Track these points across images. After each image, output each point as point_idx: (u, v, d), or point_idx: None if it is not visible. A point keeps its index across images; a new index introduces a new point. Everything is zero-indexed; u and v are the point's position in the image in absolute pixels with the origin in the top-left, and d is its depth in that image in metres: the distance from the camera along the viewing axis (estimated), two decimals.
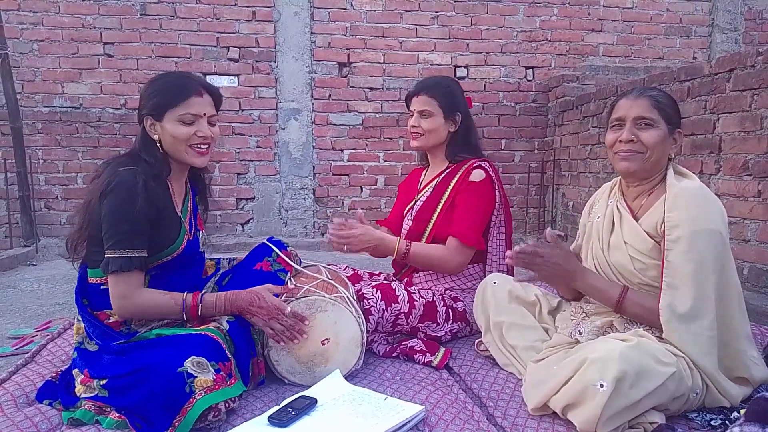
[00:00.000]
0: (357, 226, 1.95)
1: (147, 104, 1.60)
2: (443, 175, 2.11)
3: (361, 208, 1.98)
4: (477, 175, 2.01)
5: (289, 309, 1.59)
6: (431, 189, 2.12)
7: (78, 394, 1.47)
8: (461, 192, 2.01)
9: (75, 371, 1.53)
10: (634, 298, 1.49)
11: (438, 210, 2.05)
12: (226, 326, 1.56)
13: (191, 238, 1.65)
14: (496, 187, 2.04)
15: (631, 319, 1.53)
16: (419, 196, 2.16)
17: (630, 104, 1.54)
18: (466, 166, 2.06)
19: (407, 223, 2.15)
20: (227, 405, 1.40)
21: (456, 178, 2.05)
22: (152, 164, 1.57)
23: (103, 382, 1.41)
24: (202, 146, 1.62)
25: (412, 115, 2.12)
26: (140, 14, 4.51)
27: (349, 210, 4.83)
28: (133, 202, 1.48)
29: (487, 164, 2.07)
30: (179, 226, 1.62)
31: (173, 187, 1.64)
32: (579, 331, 1.61)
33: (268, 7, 4.63)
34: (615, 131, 1.57)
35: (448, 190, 2.05)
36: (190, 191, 1.74)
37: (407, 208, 2.19)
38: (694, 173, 1.58)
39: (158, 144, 1.60)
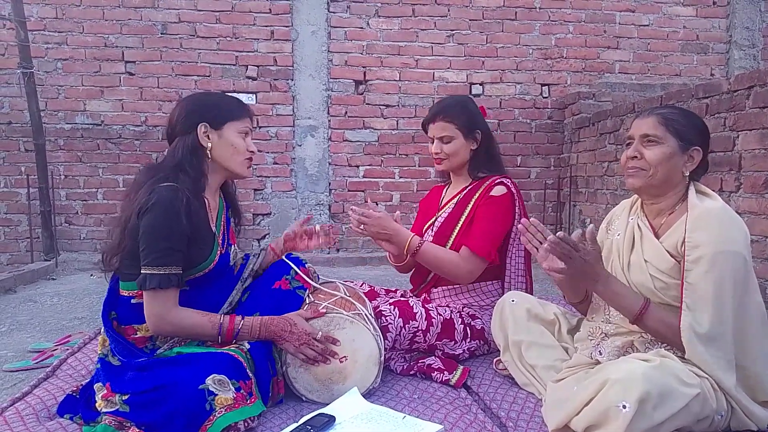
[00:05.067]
0: (380, 210, 1.94)
1: (205, 113, 1.65)
2: (465, 191, 2.11)
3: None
4: (498, 191, 2.02)
5: (320, 334, 1.61)
6: (453, 205, 2.12)
7: (99, 409, 1.47)
8: (481, 206, 2.02)
9: (97, 385, 1.54)
10: (655, 313, 1.47)
11: (459, 226, 2.05)
12: (247, 345, 1.56)
13: (223, 253, 1.67)
14: (517, 204, 2.03)
15: (649, 334, 1.51)
16: (440, 213, 2.16)
17: (639, 122, 1.56)
18: (488, 182, 2.06)
19: (427, 239, 2.13)
20: (246, 424, 1.40)
21: (477, 194, 2.05)
22: (193, 176, 1.60)
23: (125, 397, 1.42)
24: (249, 159, 1.73)
25: (432, 141, 2.10)
26: (161, 34, 4.61)
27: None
28: (172, 219, 1.49)
29: (509, 181, 2.07)
30: (213, 241, 1.63)
31: (209, 203, 1.67)
32: (599, 351, 1.59)
33: (286, 27, 4.70)
34: (627, 149, 1.59)
35: (469, 206, 2.05)
36: (224, 205, 1.76)
37: (428, 225, 2.19)
38: (714, 190, 1.57)
39: (208, 152, 1.64)
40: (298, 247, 1.96)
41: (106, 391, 1.47)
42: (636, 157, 1.53)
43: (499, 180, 2.05)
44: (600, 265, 1.50)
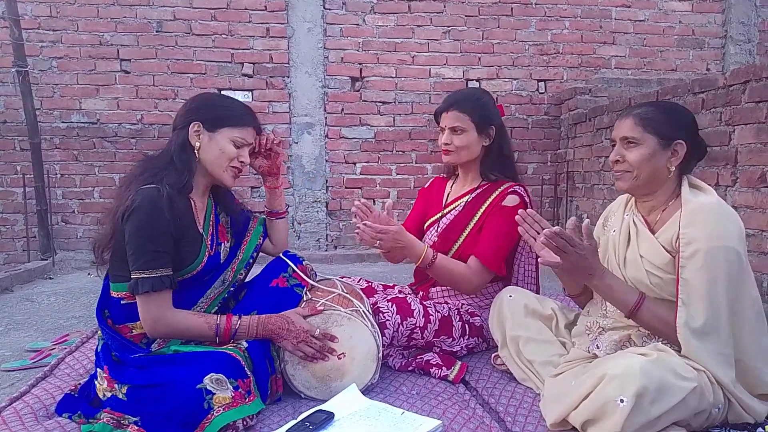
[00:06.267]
0: (394, 222, 1.84)
1: (203, 112, 1.63)
2: (475, 193, 2.04)
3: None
4: (511, 200, 1.95)
5: (318, 331, 1.62)
6: (461, 207, 2.05)
7: (99, 393, 1.49)
8: (492, 215, 1.95)
9: (99, 370, 1.54)
10: (650, 308, 1.48)
11: (466, 232, 1.99)
12: (245, 344, 1.56)
13: (212, 254, 1.66)
14: None
15: (644, 328, 1.52)
16: (446, 212, 2.09)
17: (619, 124, 1.58)
18: (500, 189, 1.99)
19: (431, 238, 2.08)
20: (245, 422, 1.41)
21: (489, 201, 1.98)
22: (181, 173, 1.58)
23: (124, 389, 1.43)
24: (237, 170, 1.67)
25: (442, 132, 2.02)
26: (156, 31, 4.59)
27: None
28: (157, 220, 1.48)
29: (522, 189, 2.00)
30: (200, 243, 1.62)
31: (195, 204, 1.65)
32: (596, 345, 1.60)
33: (282, 24, 4.69)
34: (611, 152, 1.60)
35: (479, 212, 1.99)
36: (212, 205, 1.75)
37: (431, 222, 2.13)
38: (710, 185, 1.57)
39: (195, 152, 1.62)
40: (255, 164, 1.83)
41: (106, 376, 1.48)
42: (619, 160, 1.56)
43: (512, 189, 1.98)
44: (596, 259, 1.50)
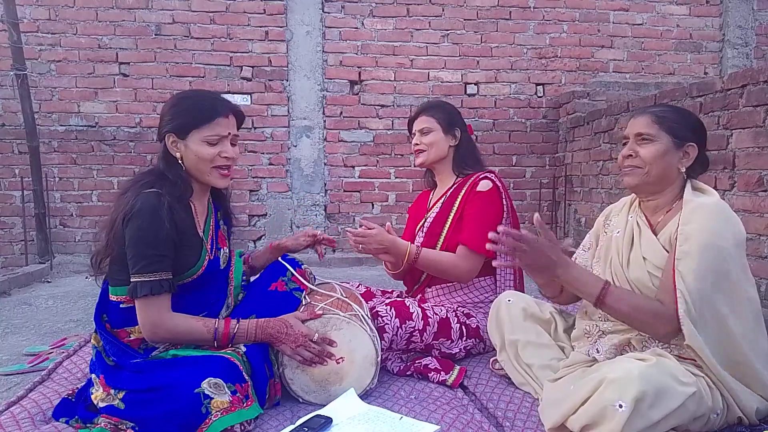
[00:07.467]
0: (373, 226, 1.97)
1: (171, 122, 1.59)
2: (451, 190, 2.15)
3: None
4: (484, 185, 2.05)
5: (317, 335, 1.61)
6: (440, 205, 2.15)
7: (95, 401, 1.48)
8: (469, 202, 2.05)
9: (92, 376, 1.54)
10: (617, 294, 1.46)
11: (448, 223, 2.08)
12: (243, 348, 1.56)
13: (212, 258, 1.65)
14: (504, 197, 2.07)
15: (615, 317, 1.51)
16: (429, 214, 2.19)
17: (633, 121, 1.60)
18: (472, 178, 2.10)
19: (419, 239, 2.16)
20: (243, 427, 1.41)
21: (464, 191, 2.09)
22: (176, 183, 1.57)
23: (121, 395, 1.42)
24: (224, 168, 1.63)
25: (414, 137, 2.19)
26: (155, 35, 4.60)
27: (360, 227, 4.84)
28: (157, 225, 1.48)
29: (493, 175, 2.11)
30: (200, 247, 1.62)
31: (195, 208, 1.64)
32: (596, 349, 1.60)
33: (281, 27, 4.70)
34: (623, 148, 1.61)
35: (457, 202, 2.09)
36: (213, 209, 1.73)
37: (418, 226, 2.22)
38: None
39: (180, 162, 1.60)
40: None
41: (102, 382, 1.48)
42: (631, 155, 1.57)
43: (483, 175, 2.09)
44: (555, 251, 1.46)
